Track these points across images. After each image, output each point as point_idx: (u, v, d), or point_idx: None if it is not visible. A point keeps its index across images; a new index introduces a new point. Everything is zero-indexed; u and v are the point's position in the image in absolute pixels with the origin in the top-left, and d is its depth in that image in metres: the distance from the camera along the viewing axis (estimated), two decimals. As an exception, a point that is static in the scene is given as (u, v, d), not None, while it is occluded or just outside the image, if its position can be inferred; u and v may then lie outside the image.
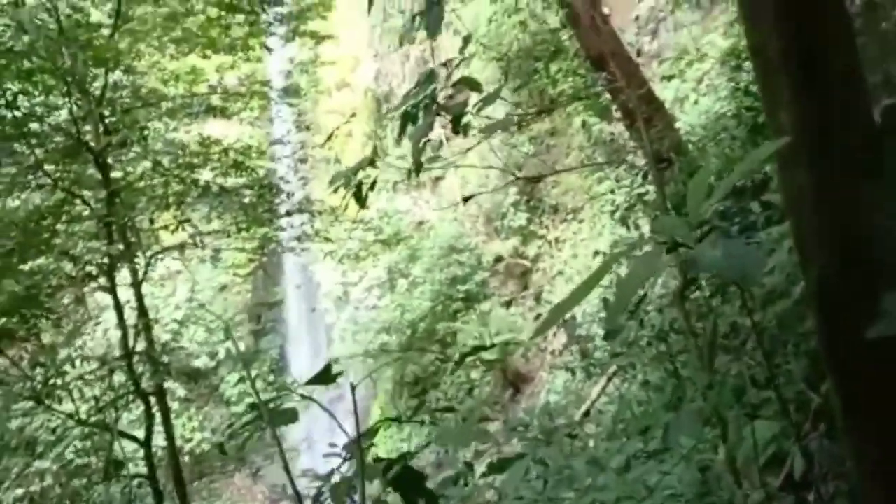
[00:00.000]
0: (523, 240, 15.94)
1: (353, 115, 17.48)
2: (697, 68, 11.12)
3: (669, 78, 11.51)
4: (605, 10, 8.75)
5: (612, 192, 10.16)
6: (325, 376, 2.13)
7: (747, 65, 8.06)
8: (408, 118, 3.10)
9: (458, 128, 3.04)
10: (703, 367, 2.91)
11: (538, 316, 14.54)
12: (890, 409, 2.02)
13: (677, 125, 8.64)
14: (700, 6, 12.18)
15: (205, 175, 8.76)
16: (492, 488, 4.37)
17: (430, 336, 15.18)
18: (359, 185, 3.15)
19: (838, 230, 2.07)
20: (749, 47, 2.30)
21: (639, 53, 12.69)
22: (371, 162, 3.01)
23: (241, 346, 17.93)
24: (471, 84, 2.87)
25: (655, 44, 12.89)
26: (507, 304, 15.47)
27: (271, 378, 18.55)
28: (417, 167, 3.14)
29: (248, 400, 15.96)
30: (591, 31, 8.19)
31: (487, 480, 4.01)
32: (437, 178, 18.20)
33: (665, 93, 10.76)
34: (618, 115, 8.34)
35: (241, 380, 17.46)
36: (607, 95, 8.40)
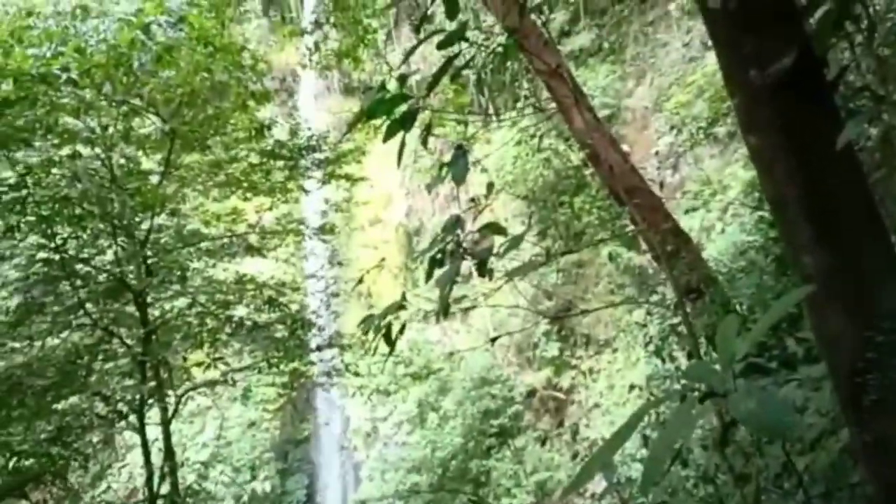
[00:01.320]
0: (556, 371, 15.63)
1: (383, 259, 17.92)
2: (720, 198, 11.34)
3: (694, 210, 11.73)
4: (625, 147, 9.12)
5: (644, 325, 10.06)
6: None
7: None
8: (434, 263, 3.18)
9: (484, 271, 3.10)
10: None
11: (575, 454, 13.93)
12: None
13: (704, 255, 8.68)
14: (718, 141, 12.61)
15: (239, 311, 8.93)
16: None
17: (463, 475, 14.56)
18: (388, 327, 3.19)
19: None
20: (766, 196, 2.37)
21: (661, 187, 13.03)
22: (400, 306, 3.06)
23: (268, 487, 17.35)
24: (495, 229, 2.96)
25: (677, 177, 13.26)
26: (543, 441, 14.90)
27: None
28: (445, 310, 3.18)
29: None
30: (612, 168, 8.50)
31: None
32: (467, 309, 18.25)
33: (691, 222, 10.92)
34: (644, 248, 8.44)
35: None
36: (632, 227, 8.56)
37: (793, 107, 2.11)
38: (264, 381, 9.78)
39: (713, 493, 4.69)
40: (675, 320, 7.99)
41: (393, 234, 20.37)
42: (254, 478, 16.83)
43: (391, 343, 3.14)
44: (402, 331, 3.03)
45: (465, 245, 2.89)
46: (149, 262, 8.32)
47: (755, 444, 2.37)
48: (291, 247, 10.50)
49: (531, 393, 16.00)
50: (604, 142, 8.19)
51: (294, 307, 9.62)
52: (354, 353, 9.55)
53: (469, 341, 17.16)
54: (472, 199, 14.95)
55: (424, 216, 19.79)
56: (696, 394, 1.92)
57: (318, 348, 9.41)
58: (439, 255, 2.90)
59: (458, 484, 14.19)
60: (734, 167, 11.79)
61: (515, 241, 2.89)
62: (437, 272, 3.18)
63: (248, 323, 8.79)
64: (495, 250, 3.18)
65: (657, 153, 13.40)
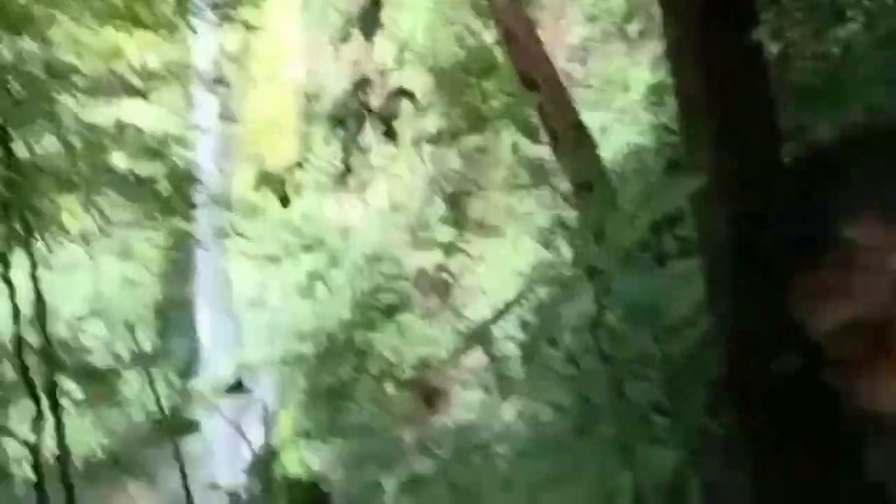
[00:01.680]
0: (446, 253, 16.02)
1: (283, 113, 17.13)
2: (622, 99, 11.54)
3: (594, 107, 11.89)
4: (540, 33, 8.91)
5: (535, 214, 10.37)
6: (236, 388, 2.03)
7: (669, 100, 8.43)
8: (338, 122, 3.06)
9: (391, 134, 3.03)
10: (612, 393, 2.97)
11: (458, 332, 14.60)
12: (786, 441, 2.12)
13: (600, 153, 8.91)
14: (628, 39, 12.66)
15: (117, 160, 8.33)
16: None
17: (348, 346, 14.98)
18: (283, 186, 3.07)
19: (749, 270, 2.16)
20: (675, 89, 2.39)
21: (569, 79, 13.05)
22: (298, 164, 2.94)
23: (148, 346, 17.10)
24: (406, 93, 2.86)
25: (583, 71, 13.30)
26: (427, 318, 15.49)
27: (177, 382, 17.77)
28: (345, 171, 3.11)
29: (150, 405, 15.22)
30: (526, 51, 8.36)
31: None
32: (365, 184, 18.06)
33: (589, 119, 11.09)
34: (545, 139, 8.52)
35: (148, 382, 16.63)
36: (536, 117, 8.58)
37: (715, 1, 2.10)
38: (146, 239, 9.36)
39: (576, 374, 5.08)
40: (564, 213, 8.30)
41: (291, 94, 19.38)
42: (133, 337, 16.49)
43: (285, 202, 3.03)
44: (297, 190, 2.92)
45: (371, 107, 2.77)
46: (12, 92, 7.48)
47: (625, 328, 2.53)
48: (178, 96, 9.77)
49: (421, 273, 16.39)
50: (521, 24, 7.98)
51: (179, 161, 9.09)
52: (243, 215, 9.28)
53: (365, 217, 17.12)
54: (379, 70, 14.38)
55: (326, 80, 18.89)
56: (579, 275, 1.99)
57: (204, 205, 9.05)
58: (344, 115, 2.77)
59: (343, 354, 14.62)
60: (640, 69, 11.94)
61: (421, 107, 2.81)
62: (340, 133, 3.06)
63: (127, 174, 8.25)
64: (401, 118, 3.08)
65: (569, 44, 13.30)
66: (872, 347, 0.48)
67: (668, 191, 1.97)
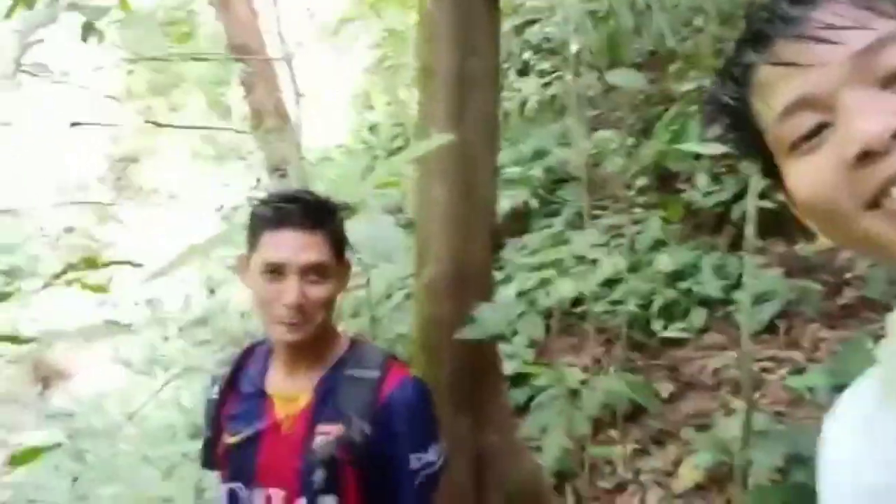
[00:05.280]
0: (101, 219, 14.17)
1: None
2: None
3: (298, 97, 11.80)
4: (255, 6, 8.56)
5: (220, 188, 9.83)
6: None
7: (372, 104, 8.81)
8: (21, 2, 2.53)
9: (86, 35, 2.61)
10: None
11: (101, 304, 12.92)
12: (469, 397, 2.35)
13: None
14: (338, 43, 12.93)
15: None
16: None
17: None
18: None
19: (457, 240, 2.36)
20: (419, 62, 2.51)
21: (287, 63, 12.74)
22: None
23: None
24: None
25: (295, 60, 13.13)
26: (63, 285, 13.38)
27: None
28: (17, 66, 2.56)
29: None
30: (237, 19, 7.99)
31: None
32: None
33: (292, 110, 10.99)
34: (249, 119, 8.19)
35: None
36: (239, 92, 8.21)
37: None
38: None
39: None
40: (254, 193, 8.03)
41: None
42: None
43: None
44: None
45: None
46: None
47: (368, 269, 2.54)
48: None
49: (67, 231, 14.22)
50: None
51: None
52: None
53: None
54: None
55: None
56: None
57: None
58: None
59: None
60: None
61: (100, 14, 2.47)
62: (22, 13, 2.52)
63: None
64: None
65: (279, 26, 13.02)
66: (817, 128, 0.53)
67: (398, 157, 2.06)
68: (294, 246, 1.23)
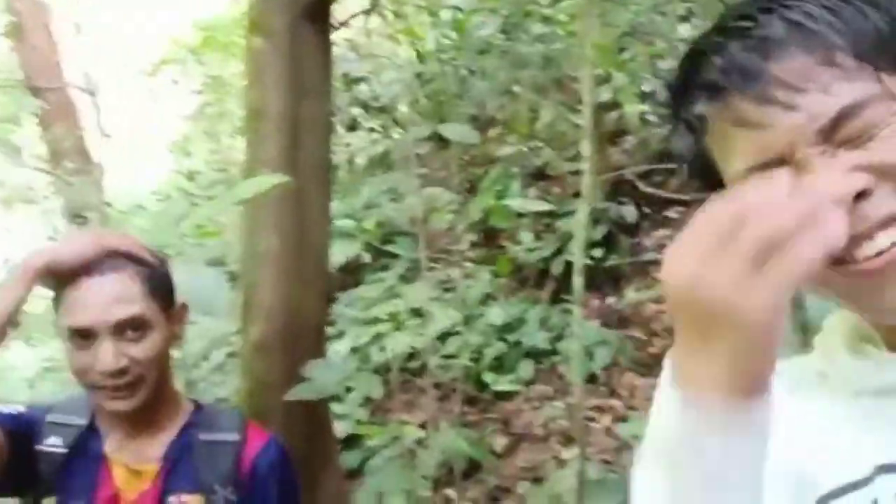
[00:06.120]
0: None
1: None
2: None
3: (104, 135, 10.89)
4: (56, 39, 7.79)
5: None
6: None
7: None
8: None
9: None
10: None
11: None
12: (300, 463, 2.15)
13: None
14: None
15: None
16: None
17: None
18: None
19: (289, 293, 2.20)
20: (247, 104, 2.37)
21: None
22: None
23: None
24: None
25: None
26: None
27: None
28: None
29: None
30: (36, 51, 7.21)
31: None
32: None
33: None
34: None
35: None
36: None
37: (305, 28, 2.21)
38: None
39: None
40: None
41: None
42: None
43: None
44: None
45: None
46: None
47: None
48: None
49: None
50: (39, 15, 6.85)
51: None
52: None
53: None
54: None
55: None
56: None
57: None
58: None
59: None
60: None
61: None
62: None
63: None
64: None
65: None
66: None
67: (225, 195, 1.90)
68: (101, 302, 1.05)
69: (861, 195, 0.49)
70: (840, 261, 0.50)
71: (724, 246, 0.43)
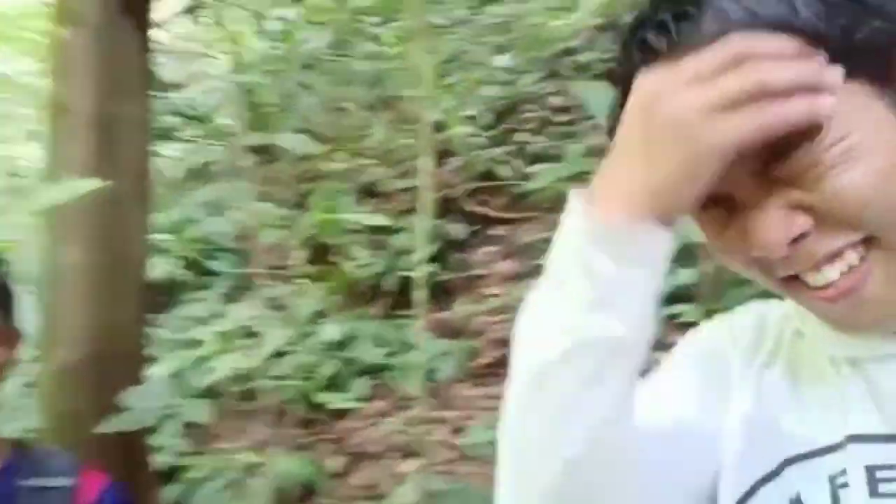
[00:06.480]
0: None
1: None
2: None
3: None
4: None
5: None
6: None
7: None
8: None
9: None
10: None
11: None
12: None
13: None
14: None
15: None
16: None
17: None
18: None
19: (100, 315, 1.96)
20: (51, 101, 2.10)
21: None
22: None
23: None
24: None
25: None
26: None
27: None
28: None
29: None
30: None
31: None
32: None
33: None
34: None
35: None
36: None
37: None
38: None
39: None
40: None
41: None
42: None
43: None
44: None
45: None
46: None
47: None
48: None
49: None
50: None
51: None
52: None
53: None
54: None
55: None
56: None
57: None
58: None
59: None
60: None
61: None
62: None
63: None
64: None
65: None
66: None
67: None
68: None
69: (802, 235, 0.49)
70: (794, 278, 0.52)
71: (712, 77, 0.43)
